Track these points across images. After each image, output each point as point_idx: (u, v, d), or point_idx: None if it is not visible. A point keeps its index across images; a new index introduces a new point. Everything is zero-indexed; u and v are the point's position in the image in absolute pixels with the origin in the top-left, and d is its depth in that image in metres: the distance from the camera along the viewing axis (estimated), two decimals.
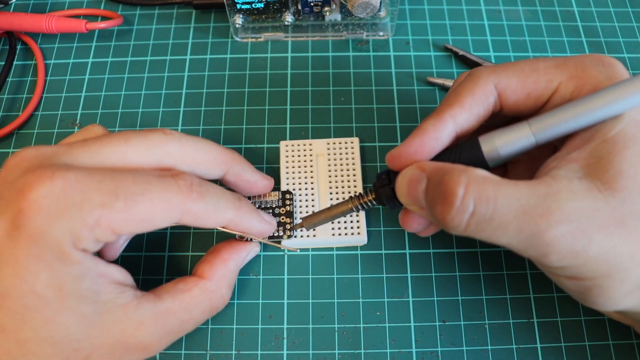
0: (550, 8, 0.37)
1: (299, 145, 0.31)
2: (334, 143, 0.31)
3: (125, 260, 0.29)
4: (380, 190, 0.24)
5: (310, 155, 0.30)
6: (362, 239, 0.28)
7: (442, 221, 0.20)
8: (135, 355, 0.22)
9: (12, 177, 0.21)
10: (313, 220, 0.27)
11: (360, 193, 0.26)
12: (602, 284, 0.19)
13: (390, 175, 0.24)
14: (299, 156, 0.30)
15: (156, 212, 0.21)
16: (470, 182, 0.19)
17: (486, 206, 0.19)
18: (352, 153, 0.30)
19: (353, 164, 0.30)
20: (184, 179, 0.22)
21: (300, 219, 0.28)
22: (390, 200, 0.24)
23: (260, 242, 0.28)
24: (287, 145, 0.31)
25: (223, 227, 0.25)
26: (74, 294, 0.20)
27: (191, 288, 0.24)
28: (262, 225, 0.26)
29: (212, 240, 0.29)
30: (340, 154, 0.30)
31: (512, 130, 0.21)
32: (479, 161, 0.21)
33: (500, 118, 0.24)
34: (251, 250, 0.27)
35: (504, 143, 0.21)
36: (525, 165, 0.26)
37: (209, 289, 0.24)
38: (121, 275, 0.22)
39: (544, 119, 0.21)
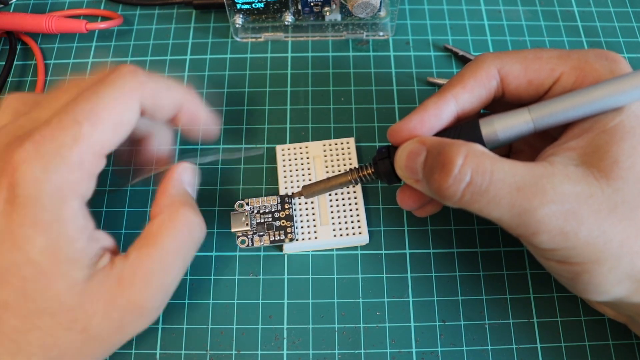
0: (550, 8, 0.37)
1: (295, 148, 0.31)
2: (330, 144, 0.31)
3: None
4: (379, 163, 0.24)
5: (307, 157, 0.30)
6: (363, 238, 0.28)
7: (439, 189, 0.20)
8: (135, 315, 0.22)
9: None
10: (312, 189, 0.27)
11: (359, 166, 0.26)
12: (590, 269, 0.20)
13: (390, 150, 0.24)
14: (295, 159, 0.30)
15: (119, 111, 0.22)
16: (470, 153, 0.20)
17: (482, 178, 0.19)
18: (349, 153, 0.30)
19: (350, 164, 0.30)
20: (125, 68, 0.23)
21: (300, 187, 0.28)
22: (388, 174, 0.24)
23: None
24: (283, 150, 0.31)
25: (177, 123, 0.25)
26: (67, 257, 0.20)
27: (149, 229, 0.23)
28: (210, 114, 0.26)
29: (212, 239, 0.29)
30: (337, 154, 0.30)
31: (512, 115, 0.21)
32: (478, 143, 0.22)
33: (502, 106, 0.24)
34: (183, 169, 0.26)
35: (503, 127, 0.21)
36: (527, 156, 0.26)
37: (164, 219, 0.23)
38: (107, 240, 0.23)
39: (544, 106, 0.21)
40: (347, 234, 0.28)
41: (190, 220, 0.24)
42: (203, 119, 0.26)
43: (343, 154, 0.30)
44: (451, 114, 0.23)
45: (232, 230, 0.28)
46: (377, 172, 0.25)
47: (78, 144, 0.21)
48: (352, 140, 0.31)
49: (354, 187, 0.29)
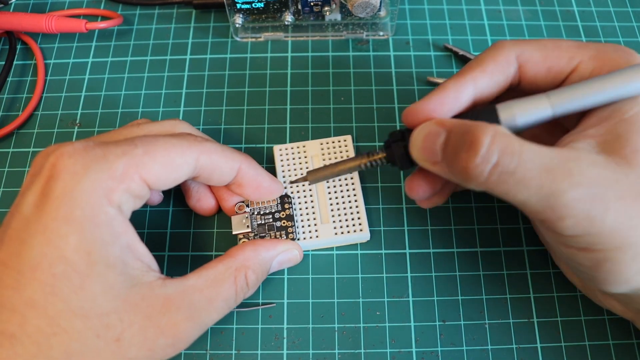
0: (550, 8, 0.37)
1: (292, 148, 0.31)
2: (327, 143, 0.31)
3: None
4: (393, 146, 0.23)
5: (305, 157, 0.30)
6: (364, 235, 0.28)
7: (464, 170, 0.20)
8: (169, 339, 0.21)
9: (38, 168, 0.21)
10: (317, 175, 0.26)
11: (369, 151, 0.25)
12: (614, 257, 0.19)
13: (404, 134, 0.23)
14: (294, 159, 0.30)
15: (174, 154, 0.22)
16: (497, 134, 0.19)
17: (511, 158, 0.19)
18: (347, 151, 0.30)
19: None
20: (193, 134, 0.24)
21: (305, 173, 0.28)
22: (401, 158, 0.23)
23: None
24: (281, 150, 0.31)
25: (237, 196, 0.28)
26: (102, 260, 0.20)
27: (215, 265, 0.24)
28: (274, 182, 0.27)
29: (212, 239, 0.29)
30: (335, 152, 0.30)
31: (531, 100, 0.21)
32: None
33: (516, 94, 0.23)
34: (288, 250, 0.27)
35: (521, 112, 0.21)
36: None
37: (233, 266, 0.24)
38: (148, 256, 0.22)
39: (564, 92, 0.21)
40: (348, 232, 0.28)
41: (247, 288, 0.24)
42: (265, 191, 0.27)
43: (341, 152, 0.30)
44: (469, 97, 0.22)
45: (234, 232, 0.28)
46: (390, 155, 0.24)
47: (126, 157, 0.21)
48: (349, 137, 0.31)
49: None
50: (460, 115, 0.23)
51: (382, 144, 0.32)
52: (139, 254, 0.22)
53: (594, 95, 0.20)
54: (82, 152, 0.20)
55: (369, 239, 0.29)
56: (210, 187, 0.29)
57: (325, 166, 0.26)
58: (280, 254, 0.26)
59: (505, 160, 0.19)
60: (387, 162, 0.25)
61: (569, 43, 0.22)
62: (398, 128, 0.32)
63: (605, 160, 0.19)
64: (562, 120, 0.22)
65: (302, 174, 0.30)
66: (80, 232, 0.20)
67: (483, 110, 0.22)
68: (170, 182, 0.23)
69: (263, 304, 0.28)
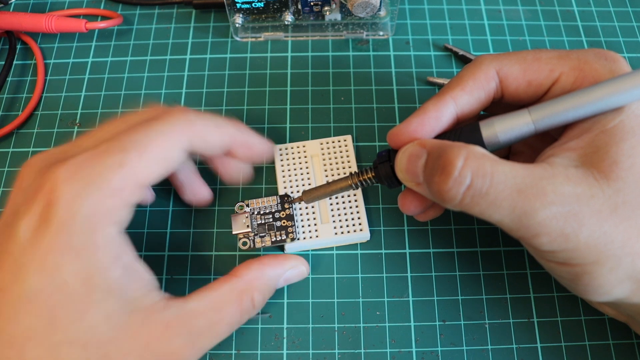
0: (550, 8, 0.37)
1: (292, 148, 0.31)
2: (327, 142, 0.31)
3: None
4: (379, 167, 0.24)
5: (305, 156, 0.30)
6: (364, 235, 0.28)
7: (439, 192, 0.20)
8: None
9: (26, 182, 0.21)
10: (312, 194, 0.27)
11: (359, 170, 0.26)
12: (591, 271, 0.19)
13: (390, 154, 0.24)
14: (293, 159, 0.30)
15: (167, 146, 0.22)
16: (470, 156, 0.20)
17: (483, 180, 0.19)
18: (347, 151, 0.30)
19: (348, 162, 0.30)
20: (177, 109, 0.24)
21: (300, 192, 0.28)
22: (389, 178, 0.24)
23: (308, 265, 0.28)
24: (280, 150, 0.31)
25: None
26: (102, 285, 0.20)
27: (220, 286, 0.23)
28: (262, 141, 0.27)
29: (212, 239, 0.29)
30: (335, 152, 0.30)
31: (513, 117, 0.21)
32: (478, 145, 0.21)
33: (501, 108, 0.24)
34: (295, 267, 0.26)
35: (503, 128, 0.21)
36: (526, 157, 0.26)
37: (238, 287, 0.23)
38: (147, 275, 0.22)
39: (545, 107, 0.21)
40: (349, 232, 0.28)
41: (253, 309, 0.24)
42: (257, 150, 0.27)
43: (341, 152, 0.30)
44: (451, 116, 0.23)
45: (234, 232, 0.28)
46: (378, 175, 0.25)
47: (122, 169, 0.20)
48: (349, 137, 0.31)
49: (354, 190, 0.29)
50: (444, 133, 0.23)
51: (382, 143, 0.32)
52: (139, 273, 0.21)
53: (575, 110, 0.20)
54: (78, 175, 0.20)
55: (369, 238, 0.29)
56: (200, 175, 0.29)
57: (319, 186, 0.27)
58: (287, 272, 0.26)
59: (477, 183, 0.19)
60: (376, 181, 0.25)
61: (549, 54, 0.22)
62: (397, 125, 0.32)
63: (583, 174, 0.19)
64: (550, 130, 0.22)
65: (301, 174, 0.30)
66: (79, 259, 0.19)
67: (466, 128, 0.22)
68: (167, 173, 0.23)
69: (261, 313, 0.27)
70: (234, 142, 0.25)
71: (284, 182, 0.30)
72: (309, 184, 0.29)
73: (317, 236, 0.28)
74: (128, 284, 0.20)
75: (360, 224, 0.28)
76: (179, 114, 0.23)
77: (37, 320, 0.19)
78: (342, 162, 0.30)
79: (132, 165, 0.21)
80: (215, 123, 0.25)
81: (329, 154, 0.30)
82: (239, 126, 0.26)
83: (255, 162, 0.28)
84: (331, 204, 0.29)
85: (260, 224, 0.28)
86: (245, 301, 0.23)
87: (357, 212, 0.29)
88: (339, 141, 0.31)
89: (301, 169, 0.30)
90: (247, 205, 0.28)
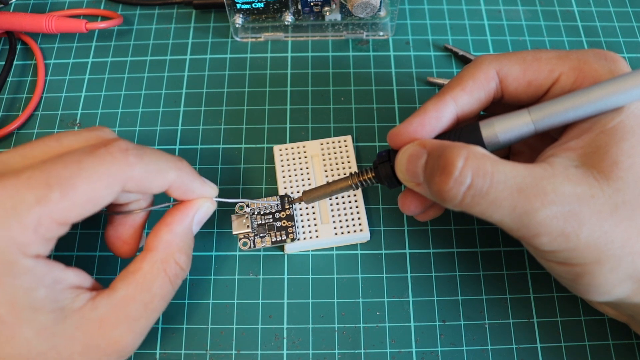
0: (550, 8, 0.37)
1: (292, 148, 0.31)
2: (327, 143, 0.31)
3: (79, 262, 0.29)
4: (379, 167, 0.24)
5: (305, 157, 0.30)
6: (364, 235, 0.28)
7: (439, 192, 0.20)
8: (114, 356, 0.21)
9: None
10: (312, 195, 0.27)
11: (359, 170, 0.26)
12: (592, 270, 0.19)
13: (390, 154, 0.24)
14: (294, 159, 0.30)
15: (97, 188, 0.20)
16: (470, 156, 0.20)
17: (483, 180, 0.19)
18: (347, 151, 0.30)
19: (348, 162, 0.30)
20: (118, 145, 0.21)
21: (300, 192, 0.28)
22: (389, 178, 0.24)
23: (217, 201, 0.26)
24: (280, 150, 0.31)
25: (172, 197, 0.24)
26: (28, 306, 0.19)
27: (140, 266, 0.22)
28: (205, 187, 0.25)
29: (212, 239, 0.29)
30: (335, 153, 0.30)
31: (512, 117, 0.21)
32: (479, 145, 0.22)
33: (501, 108, 0.24)
34: (200, 208, 0.25)
35: (503, 128, 0.21)
36: (526, 157, 0.26)
37: (158, 259, 0.23)
38: (78, 278, 0.21)
39: (544, 107, 0.21)
40: (349, 232, 0.28)
41: (182, 271, 0.23)
42: (196, 196, 0.25)
43: (341, 152, 0.31)
44: (451, 116, 0.23)
45: (234, 233, 0.28)
46: (378, 176, 0.25)
47: (40, 206, 0.19)
48: (349, 138, 0.31)
49: (354, 190, 0.29)
50: (444, 133, 0.23)
51: (382, 144, 0.32)
52: (67, 282, 0.21)
53: (575, 110, 0.20)
54: None
55: (369, 239, 0.29)
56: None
57: (319, 186, 0.27)
58: (195, 217, 0.25)
59: (478, 183, 0.19)
60: (376, 181, 0.25)
61: (549, 54, 0.22)
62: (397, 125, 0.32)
63: (584, 174, 0.19)
64: (549, 130, 0.22)
65: (301, 174, 0.30)
66: (1, 287, 0.19)
67: (466, 128, 0.22)
68: (92, 212, 0.21)
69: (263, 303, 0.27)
70: (172, 187, 0.23)
71: (284, 182, 0.30)
72: (309, 184, 0.29)
73: (317, 236, 0.28)
74: (56, 297, 0.20)
75: (360, 224, 0.28)
76: (118, 154, 0.21)
77: None
78: (342, 163, 0.30)
79: (52, 204, 0.19)
80: (158, 168, 0.22)
81: (329, 154, 0.30)
82: (185, 169, 0.24)
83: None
84: (331, 205, 0.29)
85: (261, 224, 0.28)
86: (170, 269, 0.23)
87: (357, 213, 0.29)
88: (339, 141, 0.31)
89: (301, 169, 0.30)
90: (247, 206, 0.28)
